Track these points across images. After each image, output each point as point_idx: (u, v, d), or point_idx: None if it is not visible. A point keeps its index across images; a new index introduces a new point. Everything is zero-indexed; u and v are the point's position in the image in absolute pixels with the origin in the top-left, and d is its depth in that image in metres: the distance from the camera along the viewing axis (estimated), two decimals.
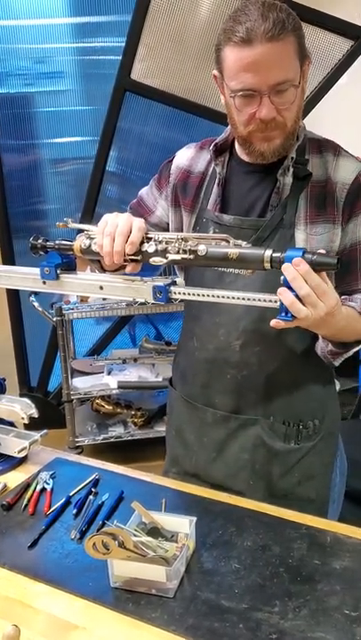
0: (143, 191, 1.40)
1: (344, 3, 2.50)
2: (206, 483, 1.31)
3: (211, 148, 1.25)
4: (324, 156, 1.18)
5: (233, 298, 1.01)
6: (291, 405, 1.24)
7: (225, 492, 1.24)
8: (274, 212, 1.17)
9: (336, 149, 1.19)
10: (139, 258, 1.07)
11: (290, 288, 0.94)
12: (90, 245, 1.11)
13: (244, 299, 1.00)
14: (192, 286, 1.25)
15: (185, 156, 1.32)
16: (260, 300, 0.98)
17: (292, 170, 1.16)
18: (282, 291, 0.94)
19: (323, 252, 0.96)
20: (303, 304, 0.94)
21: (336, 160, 1.17)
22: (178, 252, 1.03)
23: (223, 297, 1.02)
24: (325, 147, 1.20)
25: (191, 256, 1.02)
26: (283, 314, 0.96)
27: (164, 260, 1.05)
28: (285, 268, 0.94)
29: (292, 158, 1.15)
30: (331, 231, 1.16)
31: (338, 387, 1.34)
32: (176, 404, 1.38)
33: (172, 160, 1.33)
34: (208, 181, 1.27)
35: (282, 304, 0.95)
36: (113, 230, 1.06)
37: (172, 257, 1.03)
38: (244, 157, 1.21)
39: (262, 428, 1.24)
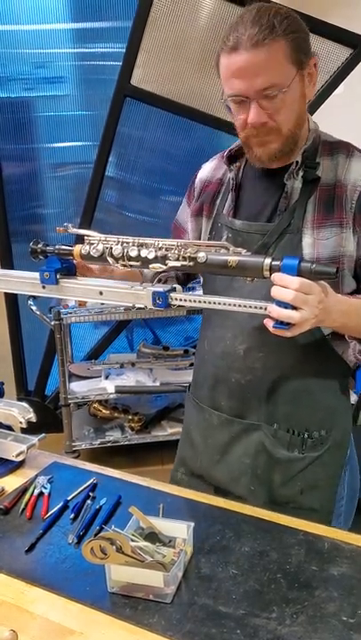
0: (178, 212, 1.42)
1: (343, 11, 2.52)
2: (210, 485, 1.32)
3: (225, 154, 1.27)
4: (336, 158, 1.16)
5: (227, 304, 1.02)
6: (296, 414, 1.23)
7: (227, 495, 1.25)
8: (281, 217, 1.16)
9: (349, 150, 1.17)
10: (138, 264, 1.07)
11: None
12: (89, 252, 1.11)
13: (237, 305, 1.01)
14: (206, 290, 1.28)
15: (207, 169, 1.35)
16: (252, 306, 0.99)
17: (301, 174, 1.16)
18: (269, 307, 0.97)
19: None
20: (295, 308, 0.95)
21: (348, 161, 1.15)
22: (177, 259, 1.04)
23: (218, 303, 1.03)
24: (338, 148, 1.18)
25: (191, 263, 1.03)
26: (277, 322, 0.97)
27: (164, 267, 1.05)
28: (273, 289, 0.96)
29: (297, 162, 1.15)
30: (339, 235, 1.14)
31: (353, 398, 1.33)
32: (188, 405, 1.41)
33: (197, 175, 1.36)
34: (225, 187, 1.28)
35: None
36: None
37: (171, 263, 1.04)
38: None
39: (265, 435, 1.23)
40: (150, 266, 1.06)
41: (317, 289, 0.97)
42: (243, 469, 1.27)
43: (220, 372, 1.27)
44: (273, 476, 1.25)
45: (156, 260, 1.05)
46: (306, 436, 1.23)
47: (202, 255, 1.02)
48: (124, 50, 2.56)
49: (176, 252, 1.04)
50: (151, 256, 1.05)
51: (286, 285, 0.95)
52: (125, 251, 1.07)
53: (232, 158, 1.26)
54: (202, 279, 1.35)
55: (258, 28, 1.03)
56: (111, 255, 1.09)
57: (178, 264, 1.03)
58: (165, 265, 1.05)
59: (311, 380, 1.23)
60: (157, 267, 1.05)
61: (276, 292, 0.96)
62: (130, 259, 1.07)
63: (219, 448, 1.30)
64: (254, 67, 1.04)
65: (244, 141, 1.16)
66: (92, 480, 1.25)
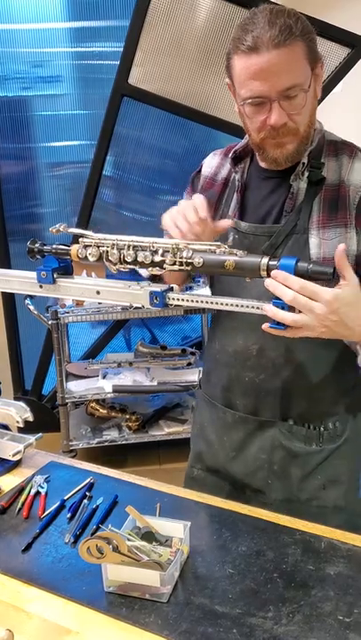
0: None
1: (341, 11, 2.52)
2: (228, 479, 1.33)
3: (230, 155, 1.26)
4: (340, 158, 1.17)
5: (224, 304, 1.02)
6: (311, 408, 1.23)
7: (245, 489, 1.28)
8: (288, 218, 1.16)
9: (353, 151, 1.17)
10: (137, 267, 1.07)
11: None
12: (86, 256, 1.11)
13: (234, 305, 1.01)
14: (215, 289, 1.28)
15: (210, 165, 1.33)
16: (248, 306, 0.99)
17: (306, 174, 1.15)
18: (264, 307, 0.97)
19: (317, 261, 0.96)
20: (295, 311, 0.95)
21: (352, 162, 1.16)
22: (174, 264, 1.04)
23: (216, 303, 1.03)
24: (342, 149, 1.18)
25: (188, 267, 1.03)
26: (274, 322, 0.97)
27: (162, 271, 1.05)
28: (267, 282, 0.96)
29: (304, 164, 1.15)
30: (343, 235, 1.14)
31: None
32: (200, 402, 1.41)
33: (200, 170, 1.35)
34: (230, 188, 1.28)
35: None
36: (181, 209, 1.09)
37: (169, 268, 1.04)
38: (262, 164, 1.22)
39: (280, 430, 1.24)
40: (148, 269, 1.07)
41: (324, 298, 0.94)
42: (259, 464, 1.27)
43: (233, 370, 1.27)
44: (291, 469, 1.25)
45: (152, 264, 1.05)
46: (322, 428, 1.24)
47: (198, 259, 1.02)
48: (121, 49, 2.55)
49: (172, 255, 1.04)
50: (147, 261, 1.05)
51: (288, 286, 0.94)
52: (122, 256, 1.07)
53: (236, 159, 1.25)
54: (208, 278, 1.35)
55: (278, 29, 1.02)
56: (108, 260, 1.08)
57: (176, 268, 1.04)
58: (164, 269, 1.05)
59: (325, 373, 1.23)
60: (156, 270, 1.06)
61: (275, 288, 0.95)
62: (127, 263, 1.07)
63: (234, 445, 1.30)
64: (277, 67, 1.03)
65: (258, 143, 1.15)
66: (88, 479, 1.25)
